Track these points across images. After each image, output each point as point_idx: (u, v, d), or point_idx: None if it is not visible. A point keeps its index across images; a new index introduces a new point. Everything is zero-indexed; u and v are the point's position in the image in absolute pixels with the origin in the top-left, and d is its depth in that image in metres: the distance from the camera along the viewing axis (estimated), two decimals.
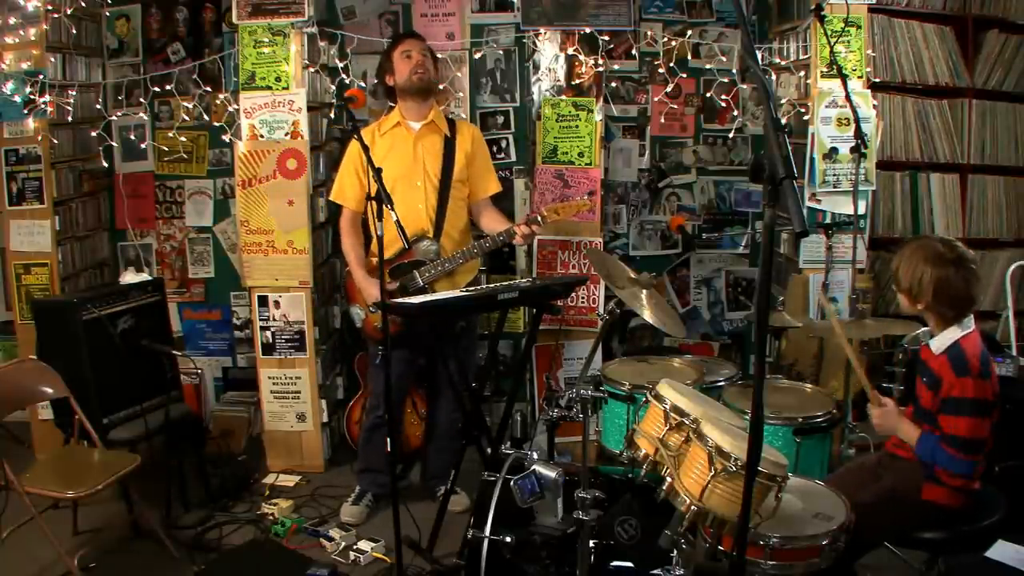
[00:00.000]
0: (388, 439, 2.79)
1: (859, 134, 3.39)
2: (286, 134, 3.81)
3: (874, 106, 3.81)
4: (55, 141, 3.99)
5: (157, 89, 4.02)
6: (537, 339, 3.80)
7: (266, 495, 3.73)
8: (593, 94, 3.95)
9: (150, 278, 3.88)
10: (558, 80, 3.97)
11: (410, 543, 3.07)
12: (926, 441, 2.35)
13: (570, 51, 3.91)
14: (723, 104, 4.28)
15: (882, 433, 2.56)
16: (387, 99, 3.64)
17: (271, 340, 3.95)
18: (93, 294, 3.58)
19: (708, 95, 4.33)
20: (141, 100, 4.22)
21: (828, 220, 3.77)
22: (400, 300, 3.14)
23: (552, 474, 2.31)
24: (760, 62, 3.82)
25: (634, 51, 4.46)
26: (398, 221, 2.68)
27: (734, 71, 4.30)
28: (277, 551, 3.18)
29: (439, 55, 4.19)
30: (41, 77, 3.87)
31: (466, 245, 3.49)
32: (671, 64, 4.05)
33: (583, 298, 4.02)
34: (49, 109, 3.89)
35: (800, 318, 3.46)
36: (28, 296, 3.99)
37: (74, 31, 4.11)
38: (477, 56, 4.34)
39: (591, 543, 2.30)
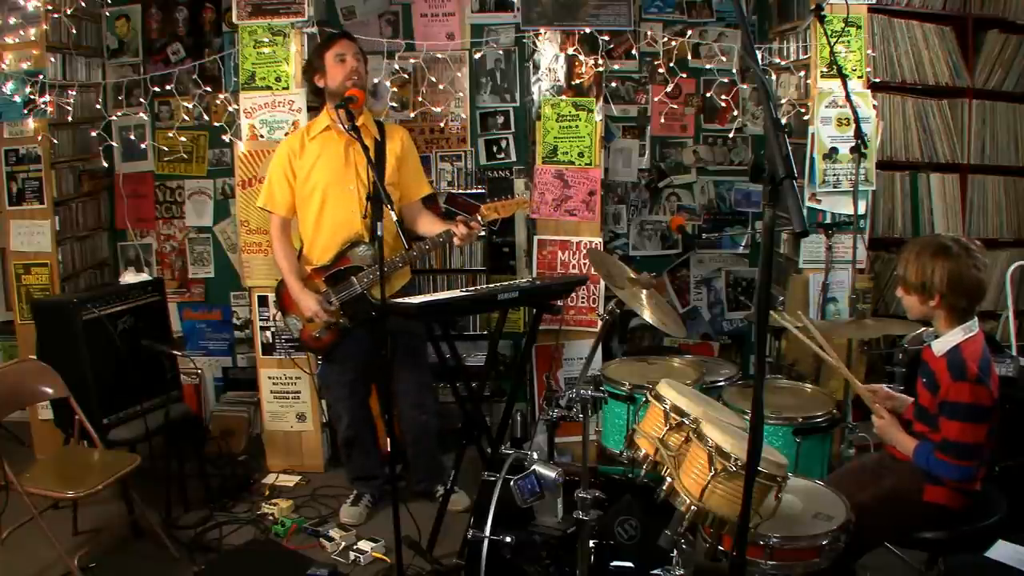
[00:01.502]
0: (388, 439, 2.78)
1: (859, 134, 3.39)
2: (286, 134, 3.80)
3: (874, 106, 3.82)
4: (55, 141, 3.99)
5: (157, 89, 4.02)
6: (537, 339, 3.80)
7: (266, 495, 3.73)
8: (593, 94, 3.95)
9: (150, 278, 3.88)
10: (558, 80, 3.97)
11: (410, 543, 3.07)
12: (921, 451, 2.36)
13: (570, 51, 3.91)
14: (723, 104, 4.27)
15: (883, 441, 2.57)
16: (315, 98, 3.52)
17: (271, 340, 3.95)
18: (93, 294, 3.58)
19: (708, 95, 4.33)
20: (141, 100, 4.22)
21: (828, 220, 3.77)
22: (400, 300, 3.14)
23: (552, 474, 2.31)
24: (760, 62, 3.82)
25: (634, 51, 4.46)
26: (398, 221, 2.67)
27: (734, 71, 4.30)
28: (277, 551, 3.18)
29: (439, 55, 4.19)
30: (41, 77, 3.87)
31: (401, 249, 3.42)
32: (671, 64, 4.04)
33: (583, 298, 4.02)
34: (49, 109, 3.89)
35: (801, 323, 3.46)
36: (28, 296, 3.99)
37: (74, 31, 4.11)
38: (477, 56, 4.35)
39: (591, 543, 2.30)
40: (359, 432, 3.55)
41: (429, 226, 3.46)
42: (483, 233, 3.31)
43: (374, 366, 3.51)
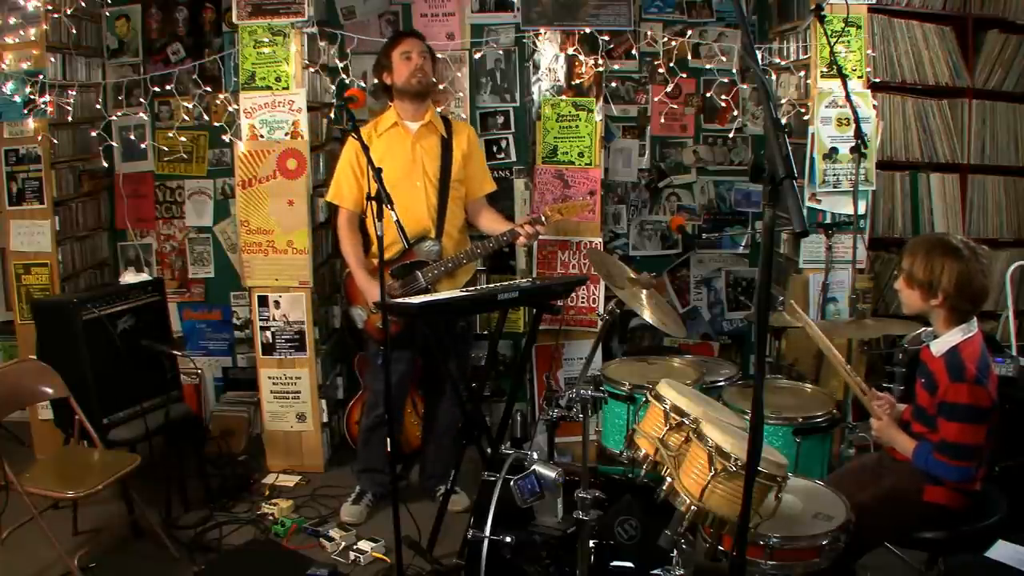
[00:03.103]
0: (388, 439, 2.79)
1: (859, 134, 3.39)
2: (286, 134, 3.81)
3: (874, 106, 3.81)
4: (55, 141, 3.99)
5: (157, 89, 4.02)
6: (537, 339, 3.80)
7: (266, 495, 3.73)
8: (593, 94, 3.95)
9: (150, 278, 3.87)
10: (558, 80, 3.97)
11: (410, 543, 3.07)
12: (920, 452, 2.36)
13: (570, 51, 3.91)
14: (723, 104, 4.27)
15: (881, 443, 2.57)
16: (384, 96, 3.63)
17: (271, 340, 3.95)
18: (93, 294, 3.57)
19: (708, 95, 4.33)
20: (141, 100, 4.22)
21: (828, 220, 3.77)
22: (400, 300, 3.14)
23: (552, 474, 2.31)
24: (760, 62, 3.82)
25: (634, 51, 4.46)
26: (398, 221, 2.68)
27: (734, 71, 4.30)
28: (277, 551, 3.18)
29: (439, 55, 4.19)
30: (41, 77, 3.86)
31: (466, 245, 3.49)
32: (671, 64, 4.05)
33: (583, 298, 4.02)
34: (49, 109, 3.89)
35: (800, 318, 3.46)
36: (28, 296, 3.99)
37: (74, 31, 4.11)
38: (477, 56, 4.34)
39: (591, 543, 2.30)
40: (385, 423, 3.56)
41: (491, 224, 3.55)
42: (544, 233, 3.39)
43: (425, 361, 3.59)
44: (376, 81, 3.55)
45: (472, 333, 3.58)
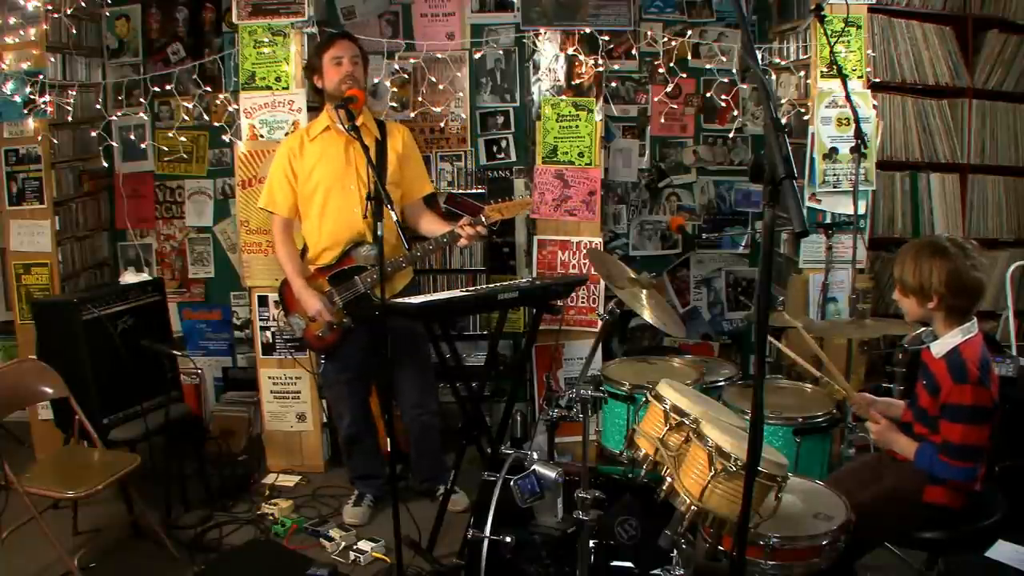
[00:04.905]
0: (388, 439, 2.78)
1: (859, 134, 3.39)
2: (286, 134, 3.80)
3: (874, 106, 3.81)
4: (55, 141, 3.99)
5: (157, 89, 4.02)
6: (537, 339, 3.80)
7: (266, 495, 3.73)
8: (593, 94, 3.95)
9: (150, 278, 3.88)
10: (558, 80, 3.97)
11: (410, 543, 3.07)
12: (923, 453, 2.36)
13: (570, 51, 3.91)
14: (723, 104, 4.28)
15: (882, 447, 2.57)
16: (316, 96, 3.49)
17: (271, 340, 3.95)
18: (93, 294, 3.57)
19: (708, 95, 4.33)
20: (141, 100, 4.21)
21: (828, 220, 3.77)
22: (400, 300, 3.14)
23: (552, 474, 2.31)
24: (760, 62, 3.82)
25: (634, 51, 4.46)
26: (398, 221, 2.67)
27: (734, 71, 4.30)
28: (277, 551, 3.18)
29: (438, 55, 4.19)
30: (41, 77, 3.87)
31: (404, 249, 3.39)
32: (671, 64, 4.05)
33: (583, 298, 4.02)
34: (49, 109, 3.89)
35: (800, 318, 3.46)
36: (28, 296, 3.99)
37: (74, 31, 4.11)
38: (477, 56, 4.34)
39: (591, 543, 2.30)
40: (360, 431, 3.55)
41: (431, 225, 3.45)
42: (486, 234, 3.30)
43: (374, 365, 3.50)
44: (307, 81, 3.45)
45: (419, 331, 3.39)
